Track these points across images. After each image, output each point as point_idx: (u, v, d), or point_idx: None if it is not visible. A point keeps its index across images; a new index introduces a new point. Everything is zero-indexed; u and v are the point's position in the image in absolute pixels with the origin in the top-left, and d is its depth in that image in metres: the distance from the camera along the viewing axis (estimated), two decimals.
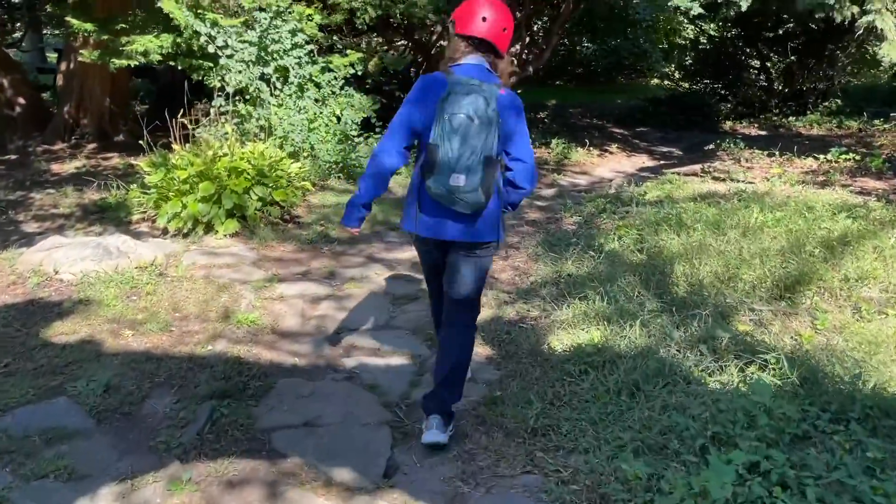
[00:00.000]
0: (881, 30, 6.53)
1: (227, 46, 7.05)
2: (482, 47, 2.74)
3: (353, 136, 7.74)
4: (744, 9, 7.45)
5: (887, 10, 6.44)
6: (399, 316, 4.36)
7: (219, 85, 7.24)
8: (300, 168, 6.47)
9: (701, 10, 7.57)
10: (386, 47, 8.74)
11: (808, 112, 12.45)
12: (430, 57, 10.10)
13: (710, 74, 13.80)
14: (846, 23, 6.80)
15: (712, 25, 14.22)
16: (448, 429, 2.92)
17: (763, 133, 11.71)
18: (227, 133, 6.31)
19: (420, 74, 11.35)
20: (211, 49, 6.97)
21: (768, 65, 13.06)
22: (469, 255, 2.84)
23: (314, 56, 7.84)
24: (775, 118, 12.40)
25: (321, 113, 7.52)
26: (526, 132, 2.79)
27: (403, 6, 7.41)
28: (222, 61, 7.01)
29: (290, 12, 7.57)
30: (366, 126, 8.30)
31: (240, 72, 7.06)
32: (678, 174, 8.18)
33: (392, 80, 11.39)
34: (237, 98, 7.41)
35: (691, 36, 20.99)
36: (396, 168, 2.77)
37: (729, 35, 13.66)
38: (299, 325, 4.16)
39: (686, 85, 13.91)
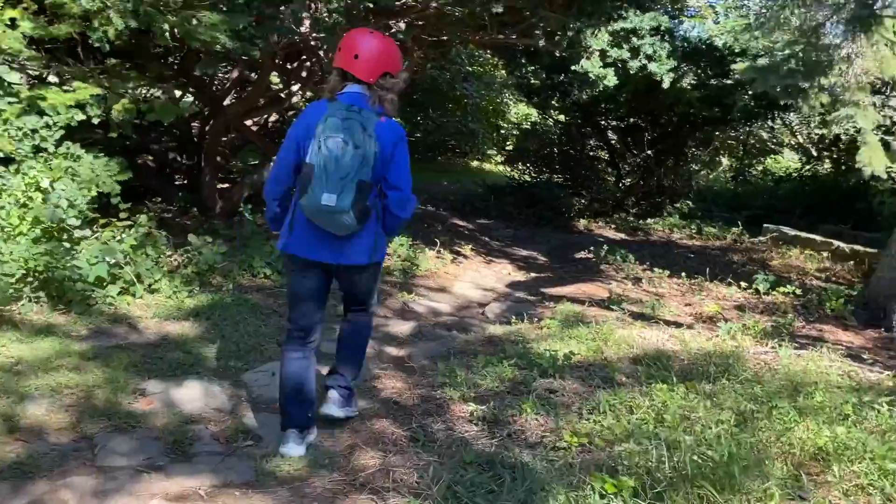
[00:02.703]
0: (860, 129, 4.79)
1: None
2: (357, 79, 2.81)
3: (74, 227, 4.46)
4: (666, 85, 5.50)
5: (873, 106, 4.74)
6: None
7: None
8: None
9: (616, 80, 5.52)
10: (146, 87, 5.58)
11: (665, 214, 11.11)
12: (221, 109, 7.05)
13: (551, 164, 12.13)
14: (821, 116, 5.02)
15: (553, 112, 12.73)
16: (349, 405, 3.27)
17: (626, 237, 10.05)
18: None
19: (206, 130, 8.20)
20: None
21: (616, 159, 11.68)
22: (352, 276, 3.02)
23: (9, 86, 4.52)
24: (631, 218, 10.89)
25: (6, 185, 4.18)
26: (405, 161, 2.87)
27: (177, 20, 4.41)
28: None
29: None
30: (104, 209, 5.06)
31: None
32: (574, 301, 5.87)
33: (164, 134, 8.12)
34: None
35: (514, 119, 20.05)
36: (283, 193, 2.96)
37: (574, 122, 12.15)
38: None
39: (528, 177, 12.08)
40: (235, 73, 7.31)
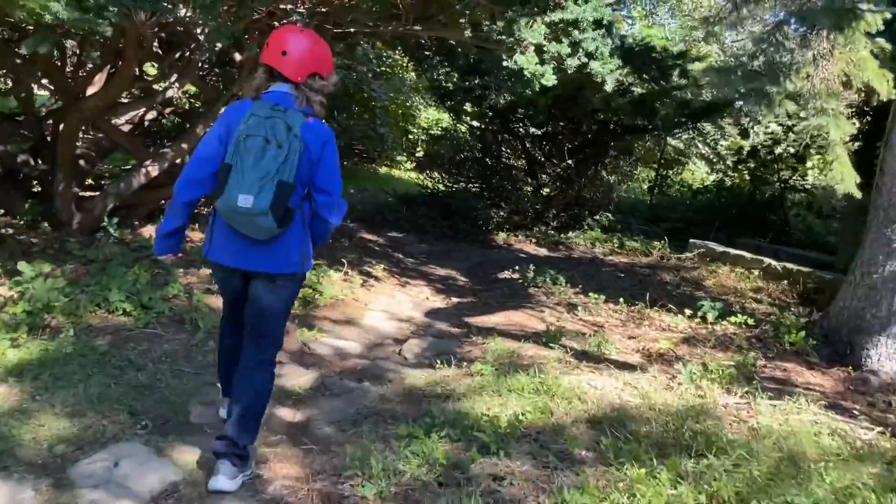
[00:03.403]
0: (829, 142, 4.21)
1: None
2: (284, 77, 2.68)
3: None
4: (609, 87, 4.78)
5: (842, 114, 4.15)
6: None
7: None
8: None
9: (555, 80, 4.73)
10: None
11: (585, 226, 10.53)
12: (77, 103, 5.78)
13: (466, 173, 11.33)
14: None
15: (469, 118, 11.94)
16: (242, 473, 2.77)
17: (549, 253, 9.36)
18: None
19: (59, 126, 6.75)
20: None
21: (535, 169, 11.00)
22: (269, 285, 2.74)
23: None
24: (552, 231, 10.23)
25: None
26: (335, 163, 2.73)
27: None
28: None
29: None
30: None
31: None
32: (506, 335, 5.04)
33: (14, 133, 6.71)
34: None
35: (424, 124, 19.19)
36: (198, 197, 2.73)
37: (490, 128, 11.42)
38: None
39: (442, 186, 11.22)
40: (90, 67, 6.05)
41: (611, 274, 7.60)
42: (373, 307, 5.87)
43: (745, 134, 11.19)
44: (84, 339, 4.00)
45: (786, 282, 7.56)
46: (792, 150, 10.99)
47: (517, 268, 7.40)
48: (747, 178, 11.48)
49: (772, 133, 10.90)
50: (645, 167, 12.93)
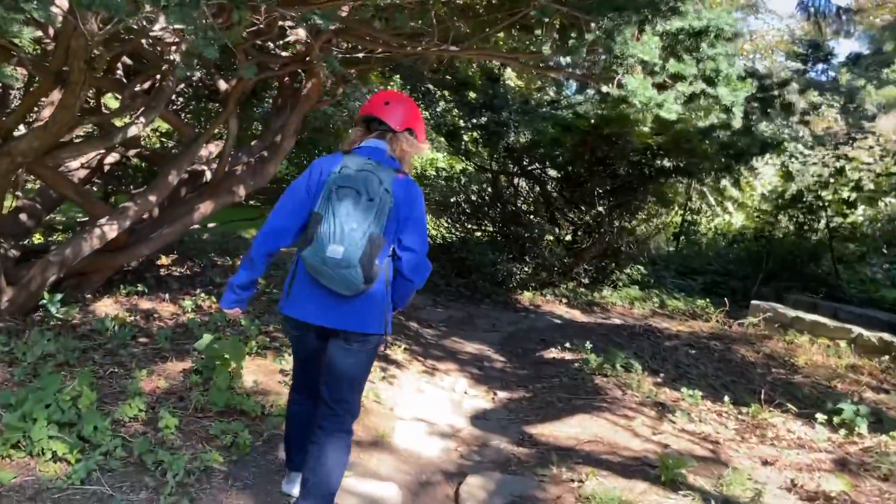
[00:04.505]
0: None
1: None
2: (381, 131, 2.64)
3: None
4: (737, 122, 3.47)
5: None
6: None
7: None
8: None
9: (678, 111, 3.44)
10: None
11: (619, 282, 9.22)
12: (4, 143, 4.32)
13: (479, 221, 10.01)
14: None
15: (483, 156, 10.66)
16: None
17: (584, 317, 7.99)
18: None
19: None
20: None
21: (557, 216, 9.70)
22: (347, 347, 2.59)
23: None
24: (583, 290, 8.88)
25: None
26: (422, 221, 2.63)
27: None
28: None
29: None
30: None
31: None
32: (597, 464, 3.64)
33: None
34: None
35: (416, 164, 17.89)
36: (278, 249, 2.64)
37: (505, 171, 10.14)
38: None
39: (453, 235, 9.88)
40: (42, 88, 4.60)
41: (679, 350, 6.23)
42: (402, 412, 4.42)
43: (788, 176, 10.03)
44: None
45: (887, 357, 6.26)
46: (841, 195, 9.84)
47: (567, 344, 6.02)
48: (790, 225, 10.28)
49: (819, 176, 9.74)
50: (674, 213, 11.72)
